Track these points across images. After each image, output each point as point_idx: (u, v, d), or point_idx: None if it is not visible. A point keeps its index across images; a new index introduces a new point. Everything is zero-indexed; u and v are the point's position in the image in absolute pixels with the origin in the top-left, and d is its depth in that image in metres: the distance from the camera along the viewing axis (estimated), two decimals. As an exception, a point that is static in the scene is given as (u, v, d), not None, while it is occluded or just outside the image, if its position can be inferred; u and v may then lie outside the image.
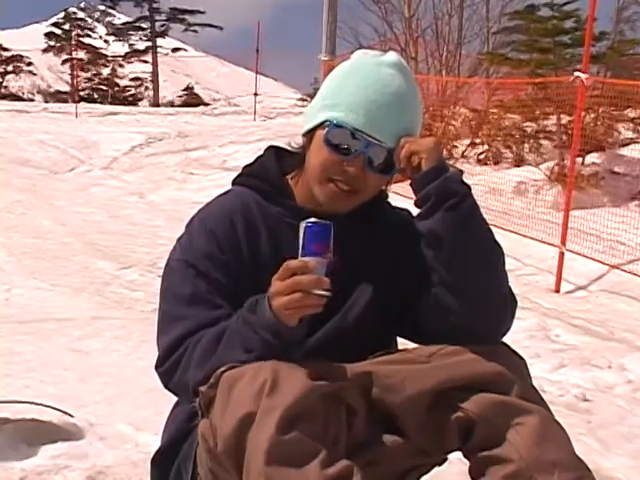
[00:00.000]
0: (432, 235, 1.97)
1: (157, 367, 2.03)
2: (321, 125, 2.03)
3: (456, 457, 2.05)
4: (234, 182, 2.19)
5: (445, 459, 2.13)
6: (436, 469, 2.18)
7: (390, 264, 2.10)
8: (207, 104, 31.36)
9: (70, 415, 3.28)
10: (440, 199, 1.93)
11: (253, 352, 1.89)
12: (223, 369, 1.90)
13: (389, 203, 2.24)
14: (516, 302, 2.10)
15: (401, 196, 3.01)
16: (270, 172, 2.14)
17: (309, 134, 2.08)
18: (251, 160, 2.21)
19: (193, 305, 2.00)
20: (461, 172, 2.00)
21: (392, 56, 2.10)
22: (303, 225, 1.85)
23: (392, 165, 2.02)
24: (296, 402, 1.77)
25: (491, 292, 2.00)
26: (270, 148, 2.20)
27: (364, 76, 2.05)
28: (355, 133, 1.99)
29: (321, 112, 2.05)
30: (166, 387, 2.04)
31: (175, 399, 2.20)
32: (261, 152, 2.21)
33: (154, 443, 2.24)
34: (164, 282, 2.10)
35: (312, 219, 1.86)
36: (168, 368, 1.99)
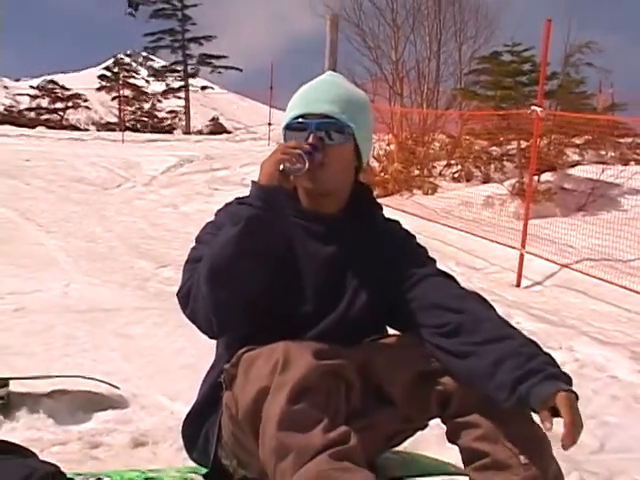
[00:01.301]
0: (480, 378, 1.87)
1: (178, 292, 2.01)
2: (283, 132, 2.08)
3: (435, 423, 2.04)
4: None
5: (427, 425, 2.12)
6: (419, 433, 2.18)
7: (380, 265, 2.08)
8: (230, 132, 31.40)
9: (117, 388, 3.28)
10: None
11: (240, 222, 1.86)
12: (243, 350, 1.90)
13: (383, 215, 2.22)
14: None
15: (392, 209, 2.99)
16: None
17: None
18: None
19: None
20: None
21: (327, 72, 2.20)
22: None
23: (341, 128, 2.02)
24: (303, 378, 1.76)
25: None
26: None
27: (305, 85, 2.12)
28: (295, 123, 2.03)
29: (283, 124, 2.09)
30: (185, 313, 2.00)
31: (204, 374, 2.20)
32: None
33: (185, 411, 2.22)
34: (192, 249, 2.08)
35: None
36: (183, 296, 1.98)
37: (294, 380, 1.76)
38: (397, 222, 2.23)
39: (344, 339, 1.97)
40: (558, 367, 1.86)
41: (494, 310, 2.03)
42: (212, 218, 2.13)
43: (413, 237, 2.20)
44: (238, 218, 1.88)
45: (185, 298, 1.98)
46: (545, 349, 1.92)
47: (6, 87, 41.63)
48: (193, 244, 2.09)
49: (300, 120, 2.03)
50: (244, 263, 1.86)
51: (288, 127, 2.06)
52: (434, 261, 2.16)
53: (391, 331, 2.15)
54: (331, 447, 1.71)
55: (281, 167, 1.89)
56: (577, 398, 1.81)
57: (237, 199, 2.08)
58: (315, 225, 2.07)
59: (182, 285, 2.00)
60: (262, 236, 1.87)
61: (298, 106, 2.06)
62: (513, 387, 1.80)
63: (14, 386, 3.11)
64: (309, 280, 2.04)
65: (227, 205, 2.14)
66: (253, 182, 1.91)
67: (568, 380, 1.83)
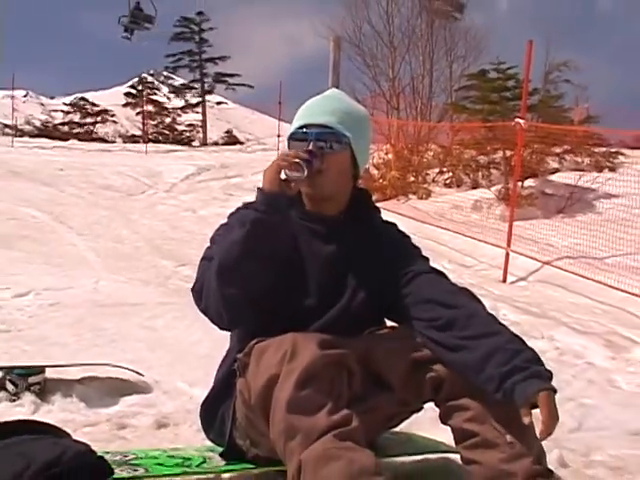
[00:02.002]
0: (473, 370, 1.86)
1: (192, 288, 2.03)
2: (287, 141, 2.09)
3: (429, 406, 2.04)
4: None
5: (421, 408, 2.13)
6: (415, 415, 2.18)
7: (379, 263, 2.08)
8: (242, 143, 31.39)
9: (141, 375, 3.28)
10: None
11: (245, 225, 1.88)
12: (254, 341, 1.90)
13: (381, 217, 2.22)
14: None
15: (390, 212, 2.99)
16: None
17: None
18: None
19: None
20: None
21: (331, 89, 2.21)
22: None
23: (337, 138, 2.02)
24: (309, 367, 1.77)
25: None
26: None
27: (309, 100, 2.13)
28: (299, 132, 2.03)
29: (288, 133, 2.10)
30: (198, 307, 2.01)
31: (220, 363, 2.20)
32: None
33: (203, 396, 2.23)
34: (207, 248, 2.09)
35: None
36: (197, 290, 2.00)
37: (301, 368, 1.76)
38: (394, 224, 2.23)
39: (346, 330, 1.97)
40: (541, 363, 1.86)
41: (482, 305, 2.02)
42: (225, 220, 2.13)
43: (408, 238, 2.20)
44: (244, 221, 1.89)
45: (198, 293, 1.99)
46: (529, 340, 1.93)
47: (42, 104, 41.66)
48: (208, 244, 2.10)
49: (302, 130, 2.04)
50: (249, 263, 1.88)
51: (292, 136, 2.06)
52: (427, 260, 2.16)
53: (389, 323, 2.15)
54: (335, 428, 1.71)
55: (282, 176, 1.90)
56: (555, 392, 1.81)
57: (244, 203, 2.09)
58: (318, 226, 2.07)
59: (196, 280, 2.01)
60: (266, 238, 1.88)
61: (301, 118, 2.07)
62: (500, 382, 1.81)
63: (49, 373, 3.12)
64: (313, 277, 2.04)
65: (238, 209, 2.14)
66: (258, 188, 1.92)
67: (549, 375, 1.83)
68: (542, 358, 1.87)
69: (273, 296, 1.94)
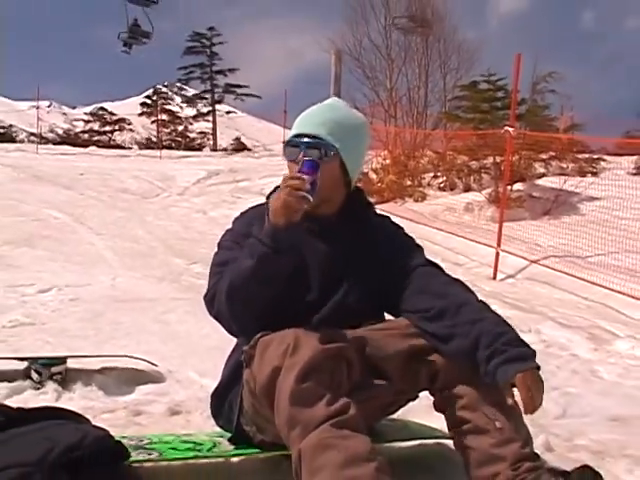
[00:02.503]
0: (464, 354, 1.87)
1: (205, 296, 2.03)
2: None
3: (424, 395, 2.04)
4: (267, 198, 2.17)
5: (417, 396, 2.12)
6: (411, 403, 2.17)
7: (375, 257, 2.07)
8: (250, 149, 31.36)
9: (156, 365, 3.28)
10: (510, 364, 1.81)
11: (253, 257, 1.86)
12: (259, 335, 1.90)
13: (375, 211, 2.21)
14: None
15: (388, 213, 2.98)
16: None
17: None
18: None
19: (232, 263, 1.97)
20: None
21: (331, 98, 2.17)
22: (302, 159, 1.90)
23: (326, 147, 1.99)
24: (310, 360, 1.77)
25: None
26: None
27: (308, 109, 2.10)
28: (293, 140, 2.01)
29: (285, 142, 2.07)
30: (210, 314, 2.02)
31: (228, 354, 2.20)
32: None
33: (212, 385, 2.23)
34: (215, 253, 2.09)
35: (307, 157, 1.90)
36: (210, 298, 2.00)
37: (302, 362, 1.76)
38: (387, 217, 2.23)
39: (344, 323, 1.97)
40: (522, 344, 1.86)
41: (474, 295, 2.02)
42: (230, 225, 2.13)
43: (401, 229, 2.20)
44: (252, 253, 1.88)
45: (210, 302, 2.01)
46: (517, 330, 1.93)
47: (65, 114, 41.82)
48: (216, 249, 2.10)
49: (294, 139, 2.03)
50: (255, 287, 1.89)
51: (287, 143, 2.05)
52: (422, 249, 2.16)
53: (387, 316, 2.15)
54: (332, 418, 1.72)
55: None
56: (538, 368, 1.82)
57: (251, 208, 2.10)
58: (314, 225, 2.06)
59: (208, 290, 2.02)
60: (272, 269, 1.88)
61: (296, 126, 2.06)
62: (485, 365, 1.83)
63: (71, 363, 3.12)
64: (313, 274, 2.04)
65: (242, 214, 2.14)
66: (267, 218, 1.88)
67: (530, 355, 1.84)
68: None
69: (278, 298, 1.93)
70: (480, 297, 2.02)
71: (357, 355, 1.96)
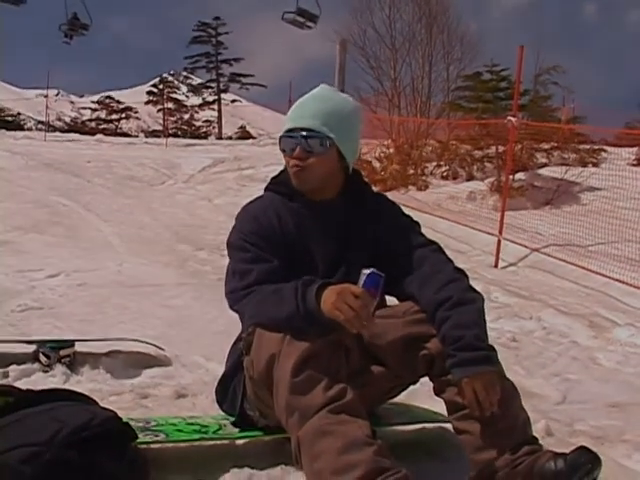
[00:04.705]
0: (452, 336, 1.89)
1: (232, 292, 1.99)
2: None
3: (427, 380, 2.04)
4: (266, 189, 2.18)
5: (417, 380, 2.12)
6: (414, 388, 2.19)
7: (373, 240, 2.08)
8: (255, 138, 31.28)
9: (162, 349, 3.29)
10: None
11: (285, 310, 1.83)
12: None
13: (372, 191, 2.21)
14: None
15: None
16: (287, 180, 2.11)
17: None
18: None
19: (254, 263, 1.97)
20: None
21: (320, 85, 2.15)
22: (366, 272, 1.82)
23: (321, 139, 2.00)
24: (307, 348, 1.79)
25: None
26: None
27: (299, 99, 2.10)
28: (289, 133, 2.02)
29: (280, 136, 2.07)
30: (231, 308, 2.01)
31: (233, 340, 2.20)
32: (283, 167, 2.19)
33: (218, 369, 2.24)
34: (230, 253, 2.07)
35: (371, 269, 1.83)
36: (238, 298, 1.96)
37: (300, 349, 1.78)
38: (383, 195, 2.25)
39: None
40: (477, 348, 1.86)
41: (461, 281, 2.02)
42: (235, 223, 2.11)
43: (397, 206, 2.20)
44: (287, 308, 1.83)
45: (232, 303, 2.00)
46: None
47: (72, 102, 41.84)
48: (229, 250, 2.07)
49: (289, 134, 2.03)
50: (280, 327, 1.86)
51: (281, 137, 2.06)
52: (419, 226, 2.17)
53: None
54: (330, 404, 1.73)
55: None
56: (494, 372, 1.84)
57: (251, 202, 2.12)
58: (317, 209, 2.07)
59: (240, 289, 1.96)
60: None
61: (289, 120, 2.06)
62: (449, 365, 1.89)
63: (79, 347, 3.13)
64: (317, 254, 2.05)
65: (245, 209, 2.13)
66: (317, 295, 1.80)
67: (481, 358, 1.84)
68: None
69: (286, 272, 1.94)
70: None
71: (355, 342, 1.97)
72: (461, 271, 2.07)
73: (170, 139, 23.45)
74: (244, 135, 34.41)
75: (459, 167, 12.27)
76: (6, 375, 2.88)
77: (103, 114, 36.35)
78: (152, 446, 2.07)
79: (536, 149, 11.16)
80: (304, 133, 2.00)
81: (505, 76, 11.11)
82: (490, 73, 11.43)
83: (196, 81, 40.07)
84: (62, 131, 29.26)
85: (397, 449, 1.83)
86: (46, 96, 26.73)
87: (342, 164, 2.08)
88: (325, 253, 2.05)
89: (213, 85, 38.74)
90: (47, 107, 26.37)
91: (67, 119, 35.85)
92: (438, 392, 1.98)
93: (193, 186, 12.83)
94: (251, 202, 2.16)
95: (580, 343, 4.20)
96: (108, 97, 37.59)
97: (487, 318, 2.00)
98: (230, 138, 33.08)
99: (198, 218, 9.34)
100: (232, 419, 2.20)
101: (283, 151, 2.06)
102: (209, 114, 37.36)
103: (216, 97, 38.11)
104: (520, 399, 1.93)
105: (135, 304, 4.42)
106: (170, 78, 38.70)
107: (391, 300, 2.13)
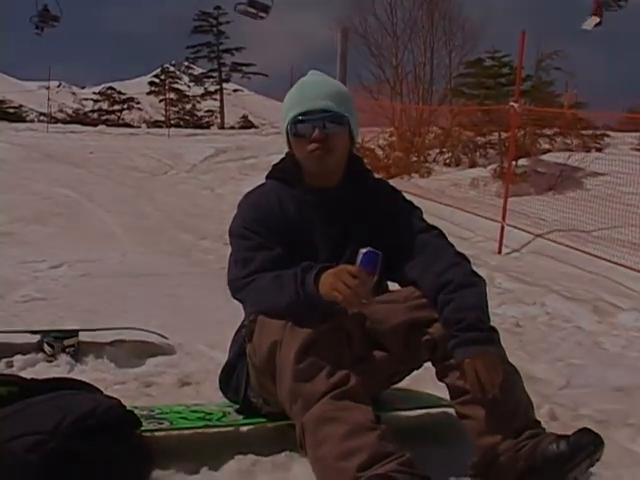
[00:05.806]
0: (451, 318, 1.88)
1: (234, 280, 1.99)
2: (288, 128, 2.04)
3: (430, 365, 2.03)
4: (267, 177, 2.18)
5: (420, 365, 2.12)
6: (418, 373, 2.19)
7: (375, 225, 2.07)
8: (257, 127, 31.22)
9: (166, 338, 3.29)
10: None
11: (286, 297, 1.84)
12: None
13: (373, 177, 2.21)
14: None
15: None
16: (289, 168, 2.11)
17: (287, 138, 2.08)
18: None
19: (256, 251, 1.97)
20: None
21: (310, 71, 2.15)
22: (363, 251, 1.80)
23: (340, 119, 2.00)
24: (309, 335, 1.79)
25: None
26: (289, 152, 2.16)
27: (296, 86, 2.09)
28: (305, 117, 2.00)
29: (285, 120, 2.05)
30: (233, 296, 2.02)
31: (236, 328, 2.20)
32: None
33: (222, 357, 2.24)
34: (232, 241, 2.07)
35: (368, 248, 1.80)
36: (240, 286, 1.97)
37: (302, 336, 1.77)
38: (384, 181, 2.25)
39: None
40: (478, 328, 1.85)
41: (461, 265, 2.00)
42: (237, 211, 2.11)
43: (399, 192, 2.20)
44: (289, 294, 1.84)
45: (234, 292, 2.01)
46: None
47: (74, 94, 41.78)
48: (231, 238, 2.07)
49: (305, 117, 2.01)
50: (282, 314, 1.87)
51: (295, 124, 2.03)
52: (420, 211, 2.17)
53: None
54: (333, 390, 1.73)
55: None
56: (496, 352, 1.83)
57: (252, 192, 2.11)
58: (320, 196, 2.07)
59: (242, 277, 1.97)
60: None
61: (297, 105, 2.03)
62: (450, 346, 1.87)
63: (83, 337, 3.14)
64: (319, 241, 2.05)
65: (246, 198, 2.13)
66: (315, 280, 1.81)
67: (483, 339, 1.83)
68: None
69: (290, 260, 1.93)
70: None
71: (358, 328, 1.97)
72: (463, 255, 2.06)
73: (172, 129, 23.40)
74: (246, 124, 34.36)
75: (462, 154, 12.26)
76: (10, 365, 2.89)
77: (105, 105, 36.29)
78: (156, 434, 2.08)
79: (539, 135, 11.14)
80: (324, 115, 1.99)
81: (507, 62, 11.09)
82: (492, 59, 11.41)
83: (198, 71, 39.95)
84: (64, 122, 29.17)
85: (401, 434, 1.83)
86: (48, 88, 26.70)
87: (350, 145, 2.10)
88: (327, 240, 2.05)
89: (215, 75, 38.63)
90: (49, 99, 26.34)
91: (69, 110, 35.77)
92: (441, 377, 1.97)
93: (196, 176, 12.82)
94: (253, 190, 2.15)
95: (584, 328, 4.19)
96: (110, 88, 37.52)
97: (490, 304, 1.99)
98: (232, 128, 32.99)
99: (201, 208, 9.34)
100: (236, 406, 2.21)
101: (298, 136, 2.03)
102: (211, 104, 37.25)
103: (218, 87, 38.01)
104: (522, 383, 1.93)
105: (138, 294, 4.43)
106: (172, 68, 38.52)
107: (393, 286, 2.13)
